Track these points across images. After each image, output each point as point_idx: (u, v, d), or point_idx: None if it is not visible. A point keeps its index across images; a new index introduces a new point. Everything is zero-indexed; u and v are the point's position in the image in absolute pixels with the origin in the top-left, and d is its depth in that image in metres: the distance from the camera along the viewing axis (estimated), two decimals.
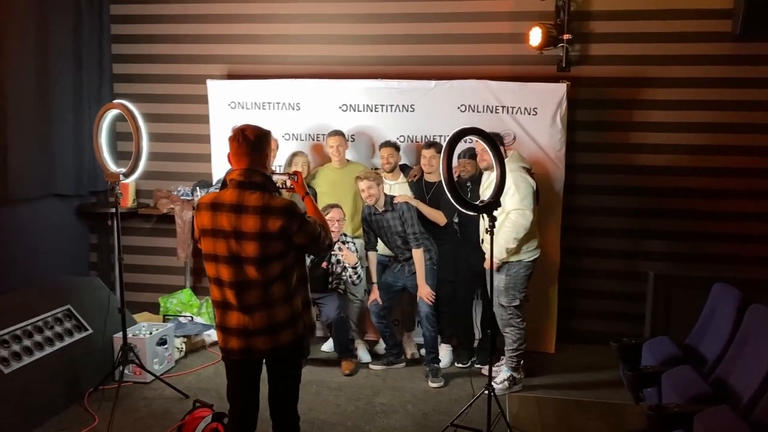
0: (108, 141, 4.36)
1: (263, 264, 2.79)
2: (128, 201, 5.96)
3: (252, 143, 2.86)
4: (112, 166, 4.17)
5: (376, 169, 5.26)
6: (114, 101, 4.15)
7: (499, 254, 4.36)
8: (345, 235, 5.02)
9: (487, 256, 4.02)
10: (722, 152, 5.45)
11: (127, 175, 4.10)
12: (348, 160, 5.32)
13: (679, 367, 3.36)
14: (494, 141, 3.76)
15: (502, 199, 3.83)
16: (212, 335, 5.40)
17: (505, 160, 4.24)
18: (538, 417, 4.25)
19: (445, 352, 5.17)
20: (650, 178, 5.54)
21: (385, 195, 4.86)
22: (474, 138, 3.75)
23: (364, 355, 5.22)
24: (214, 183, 5.60)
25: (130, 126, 4.03)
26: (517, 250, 4.44)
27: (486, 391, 3.81)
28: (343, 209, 4.96)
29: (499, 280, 4.47)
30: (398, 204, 4.80)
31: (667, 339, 3.81)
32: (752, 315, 3.25)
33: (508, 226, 4.32)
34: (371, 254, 5.06)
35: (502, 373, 4.62)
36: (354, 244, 5.04)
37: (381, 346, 5.32)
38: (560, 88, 5.24)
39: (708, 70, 5.42)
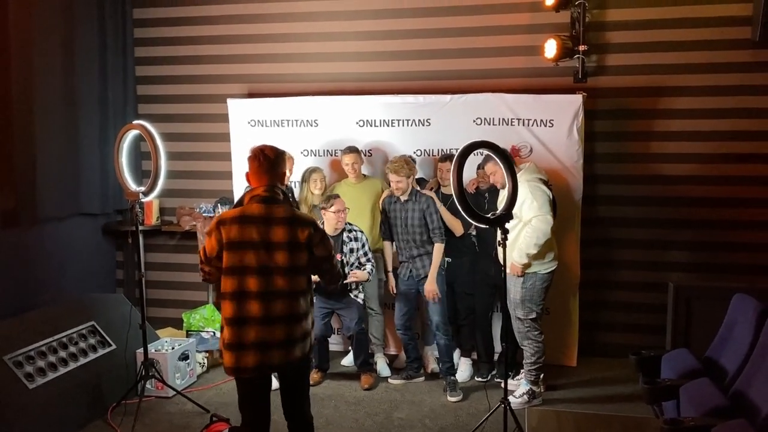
0: (129, 161, 4.46)
1: (292, 274, 2.96)
2: (152, 218, 6.09)
3: (272, 162, 3.05)
4: (132, 185, 4.27)
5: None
6: (133, 122, 4.26)
7: (520, 258, 4.34)
8: (360, 232, 5.02)
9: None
10: (743, 161, 5.36)
11: (146, 193, 4.20)
12: (365, 175, 5.36)
13: (697, 380, 3.31)
14: (506, 153, 3.77)
15: (518, 210, 3.83)
16: None
17: (521, 172, 4.27)
18: (558, 431, 4.20)
19: (464, 366, 5.15)
20: (670, 188, 5.47)
21: (412, 187, 4.86)
22: (485, 151, 3.75)
23: (383, 368, 5.22)
24: (236, 200, 5.70)
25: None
26: (538, 256, 4.41)
27: (502, 405, 3.79)
28: (362, 224, 5.03)
29: (515, 293, 4.45)
30: (423, 196, 4.80)
31: (687, 351, 3.75)
32: None
33: (528, 232, 4.30)
34: (387, 243, 5.10)
35: (521, 387, 4.59)
36: (370, 261, 5.03)
37: (401, 359, 5.33)
38: (576, 99, 5.23)
39: (727, 78, 5.35)
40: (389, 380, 5.07)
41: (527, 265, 4.40)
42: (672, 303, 4.64)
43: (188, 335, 5.66)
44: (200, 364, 5.26)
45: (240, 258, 2.93)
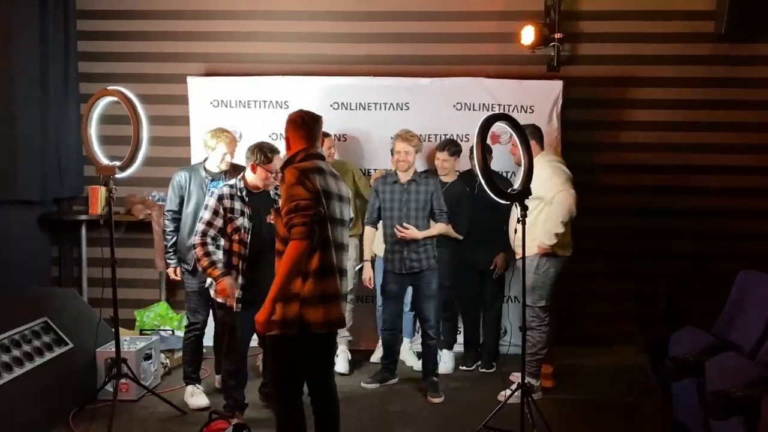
0: (98, 131, 3.95)
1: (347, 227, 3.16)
2: (98, 208, 5.52)
3: (319, 125, 3.14)
4: (104, 159, 3.79)
5: (373, 171, 5.12)
6: (108, 87, 3.78)
7: (549, 240, 4.16)
8: None
9: (517, 249, 3.83)
10: (708, 150, 5.54)
11: (123, 168, 3.73)
12: (335, 159, 5.05)
13: (724, 354, 3.29)
14: (521, 128, 3.66)
15: (540, 189, 3.73)
16: None
17: (540, 154, 4.19)
18: (562, 418, 4.08)
19: (447, 358, 4.95)
20: (642, 176, 5.58)
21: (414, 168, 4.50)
22: (503, 124, 3.62)
23: (342, 365, 4.85)
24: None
25: (128, 113, 3.68)
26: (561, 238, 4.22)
27: (519, 390, 3.64)
28: None
29: (528, 278, 4.20)
30: (431, 177, 4.49)
31: (697, 329, 3.75)
32: None
33: (554, 210, 4.12)
34: (370, 230, 4.61)
35: (512, 377, 4.36)
36: None
37: (377, 356, 5.09)
38: (556, 86, 5.24)
39: (692, 70, 5.53)
40: (362, 384, 4.61)
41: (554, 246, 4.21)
42: (665, 287, 4.68)
43: (142, 335, 5.16)
44: (163, 364, 4.78)
45: (332, 209, 2.97)
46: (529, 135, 3.85)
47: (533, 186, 3.60)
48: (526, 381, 4.27)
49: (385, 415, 4.13)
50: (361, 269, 5.01)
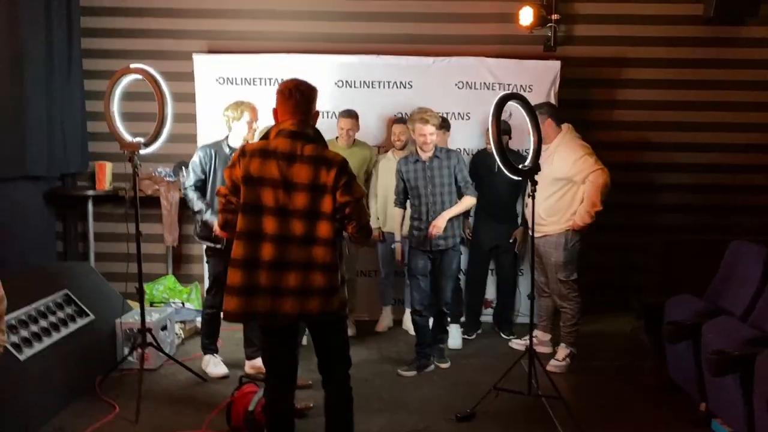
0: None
1: (311, 219, 2.71)
2: (105, 184, 5.60)
3: (307, 98, 2.85)
4: (127, 136, 3.88)
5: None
6: (131, 65, 3.86)
7: (583, 219, 4.32)
8: None
9: (536, 227, 4.00)
10: (697, 129, 5.82)
11: (148, 144, 3.83)
12: (355, 140, 5.15)
13: (719, 318, 3.54)
14: (531, 107, 3.82)
15: (569, 170, 3.91)
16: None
17: (562, 132, 4.37)
18: (563, 381, 4.32)
19: (456, 333, 5.04)
20: (633, 153, 5.83)
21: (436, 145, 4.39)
22: (515, 103, 3.79)
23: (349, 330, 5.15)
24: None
25: (152, 90, 3.78)
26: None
27: (527, 354, 3.87)
28: None
29: (557, 256, 4.42)
30: (452, 152, 4.45)
31: (691, 296, 3.99)
32: None
33: (588, 190, 4.27)
34: (398, 211, 4.60)
35: (561, 350, 4.55)
36: None
37: (383, 324, 5.34)
38: (554, 66, 5.42)
39: (683, 51, 5.76)
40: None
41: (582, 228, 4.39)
42: (661, 257, 4.94)
43: (152, 307, 5.28)
44: (177, 335, 4.93)
45: (257, 195, 2.71)
46: (545, 113, 4.01)
47: (561, 166, 3.77)
48: (569, 351, 4.55)
49: (396, 380, 4.35)
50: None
